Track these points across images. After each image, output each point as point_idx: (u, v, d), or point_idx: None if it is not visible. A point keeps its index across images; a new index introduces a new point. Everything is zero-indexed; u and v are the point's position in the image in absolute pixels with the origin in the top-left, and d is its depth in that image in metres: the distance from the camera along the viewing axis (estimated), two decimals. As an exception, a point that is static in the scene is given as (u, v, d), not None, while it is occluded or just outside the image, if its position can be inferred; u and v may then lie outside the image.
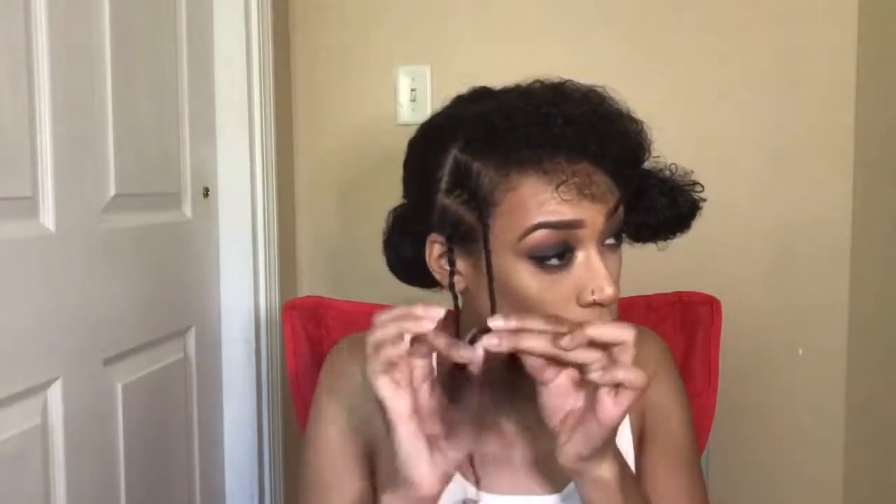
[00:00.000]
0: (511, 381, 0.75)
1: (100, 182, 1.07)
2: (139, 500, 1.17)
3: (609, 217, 0.69)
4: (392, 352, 0.62)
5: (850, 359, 1.50)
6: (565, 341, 0.59)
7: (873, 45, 1.43)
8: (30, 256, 0.93)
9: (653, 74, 1.50)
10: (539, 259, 0.67)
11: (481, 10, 1.55)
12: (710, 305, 1.06)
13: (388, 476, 0.69)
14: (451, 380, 0.67)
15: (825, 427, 1.52)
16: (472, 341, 0.62)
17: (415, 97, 1.56)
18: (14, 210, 0.91)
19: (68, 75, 0.99)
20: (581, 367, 0.62)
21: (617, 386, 0.61)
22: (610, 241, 0.71)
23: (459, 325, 0.76)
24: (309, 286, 1.63)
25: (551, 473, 0.78)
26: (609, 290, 0.67)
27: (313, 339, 1.09)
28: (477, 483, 0.77)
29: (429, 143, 0.74)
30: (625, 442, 0.81)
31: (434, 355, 0.65)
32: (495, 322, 0.61)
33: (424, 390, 0.65)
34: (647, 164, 0.76)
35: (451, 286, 0.73)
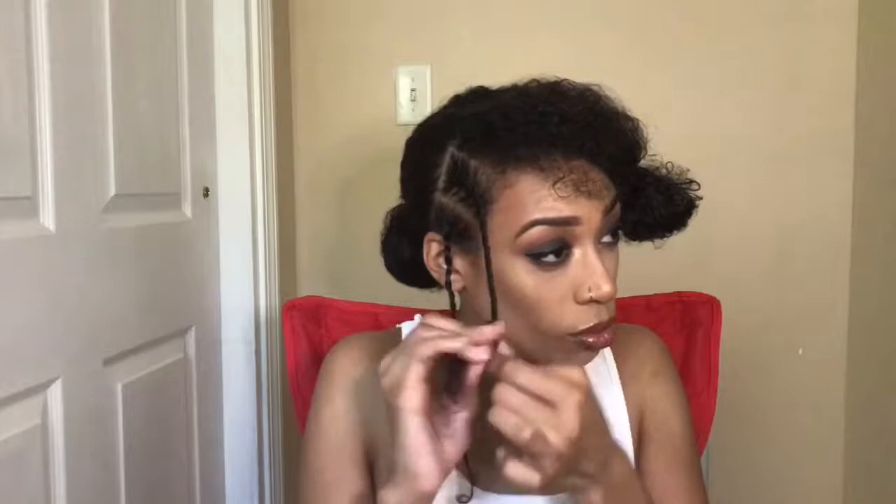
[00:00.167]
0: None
1: (100, 182, 1.07)
2: (139, 500, 1.17)
3: (606, 214, 0.69)
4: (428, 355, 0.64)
5: (850, 359, 1.50)
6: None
7: (873, 45, 1.43)
8: (30, 256, 0.93)
9: (652, 74, 1.50)
10: (536, 256, 0.68)
11: (481, 10, 1.55)
12: (710, 305, 1.06)
13: (388, 473, 0.69)
14: (450, 376, 0.67)
15: (825, 427, 1.52)
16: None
17: (415, 97, 1.56)
18: (14, 210, 0.91)
19: (68, 75, 0.99)
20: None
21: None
22: (607, 239, 0.71)
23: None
24: (309, 286, 1.63)
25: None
26: (606, 288, 0.67)
27: (313, 338, 1.09)
28: (470, 480, 0.77)
29: (426, 142, 0.74)
30: (625, 442, 0.81)
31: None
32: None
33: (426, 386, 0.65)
34: (643, 163, 0.76)
35: (448, 285, 0.73)
